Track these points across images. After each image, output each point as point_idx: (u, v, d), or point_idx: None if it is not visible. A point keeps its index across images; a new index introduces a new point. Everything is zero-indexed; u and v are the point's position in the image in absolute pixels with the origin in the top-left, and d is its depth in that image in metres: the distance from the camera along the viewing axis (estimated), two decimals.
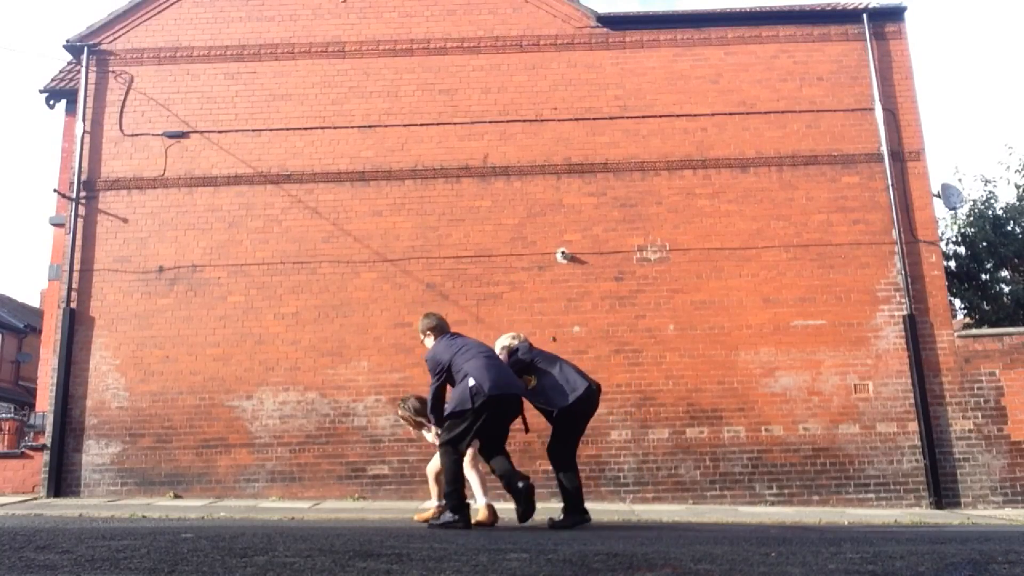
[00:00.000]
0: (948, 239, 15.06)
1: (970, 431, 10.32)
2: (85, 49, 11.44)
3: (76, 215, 10.93)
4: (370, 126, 11.30)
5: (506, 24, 11.64)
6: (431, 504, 7.09)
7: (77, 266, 10.78)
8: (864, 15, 11.53)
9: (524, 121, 11.31)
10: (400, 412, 7.25)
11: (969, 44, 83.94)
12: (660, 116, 11.32)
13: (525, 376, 6.99)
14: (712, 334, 10.57)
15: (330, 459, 10.24)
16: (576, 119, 11.30)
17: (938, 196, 11.92)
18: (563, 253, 10.81)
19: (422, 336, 6.92)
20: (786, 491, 10.11)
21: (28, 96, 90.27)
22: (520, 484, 6.48)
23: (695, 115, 11.32)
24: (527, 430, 6.95)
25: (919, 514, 9.12)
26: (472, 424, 6.21)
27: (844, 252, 10.84)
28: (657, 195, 11.07)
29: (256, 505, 9.19)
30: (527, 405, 6.75)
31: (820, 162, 11.15)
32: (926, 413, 10.21)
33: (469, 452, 6.69)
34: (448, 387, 6.53)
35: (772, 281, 10.77)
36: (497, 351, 7.07)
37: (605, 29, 11.61)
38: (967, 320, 15.00)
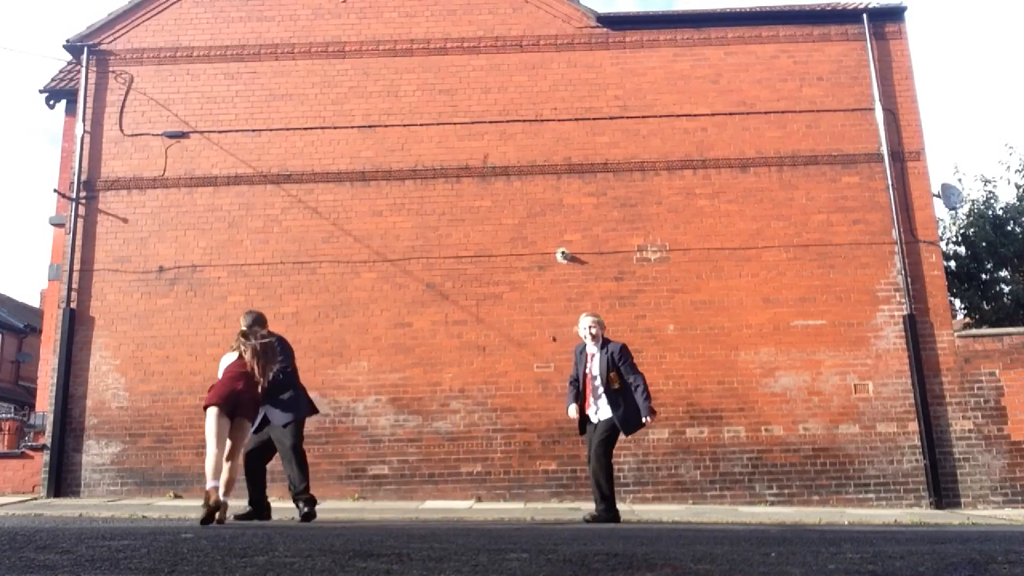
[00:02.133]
0: (948, 239, 15.07)
1: (970, 431, 10.32)
2: (85, 49, 11.43)
3: (76, 215, 10.93)
4: (370, 126, 11.30)
5: (506, 24, 11.64)
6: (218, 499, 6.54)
7: (77, 266, 10.78)
8: (864, 15, 11.53)
9: (524, 121, 11.31)
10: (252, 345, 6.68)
11: (969, 44, 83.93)
12: (660, 116, 11.32)
13: (611, 373, 7.13)
14: (712, 334, 10.57)
15: (330, 459, 10.23)
16: (576, 119, 11.30)
17: (938, 196, 11.92)
18: (563, 253, 10.81)
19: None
20: (786, 491, 10.10)
21: (28, 96, 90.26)
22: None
23: (695, 115, 11.32)
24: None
25: (919, 514, 9.12)
26: None
27: (844, 252, 10.84)
28: (657, 195, 11.07)
29: None
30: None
31: (820, 162, 11.15)
32: (926, 413, 10.21)
33: (230, 445, 6.35)
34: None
35: (772, 281, 10.77)
36: (592, 331, 7.26)
37: (605, 29, 11.61)
38: (967, 320, 15.00)
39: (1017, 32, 75.70)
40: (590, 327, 7.29)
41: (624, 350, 7.23)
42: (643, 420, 7.10)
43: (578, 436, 10.25)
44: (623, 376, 7.12)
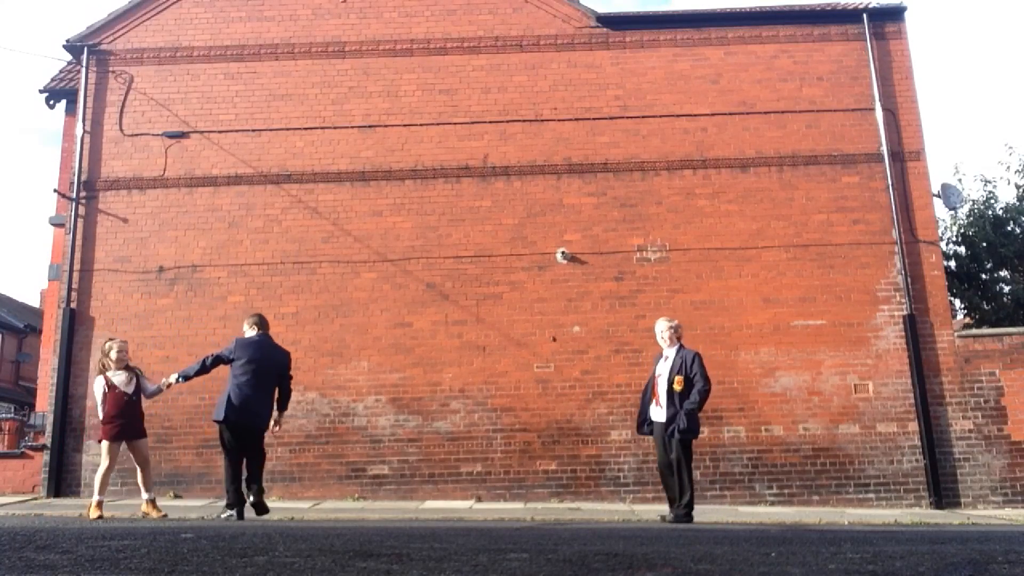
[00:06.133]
0: (948, 239, 15.05)
1: (970, 431, 10.32)
2: (85, 49, 11.43)
3: (76, 215, 10.93)
4: (370, 126, 11.30)
5: (506, 24, 11.64)
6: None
7: (77, 266, 10.78)
8: (864, 15, 11.52)
9: (524, 121, 11.30)
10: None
11: (969, 44, 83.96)
12: (660, 116, 11.31)
13: (678, 376, 7.26)
14: (712, 334, 10.56)
15: (330, 459, 10.24)
16: (576, 119, 11.30)
17: (938, 196, 11.91)
18: (563, 253, 10.81)
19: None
20: (786, 491, 10.10)
21: (26, 96, 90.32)
22: None
23: (695, 115, 11.32)
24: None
25: (919, 514, 9.12)
26: None
27: (844, 252, 10.83)
28: (657, 195, 11.07)
29: None
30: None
31: (820, 162, 11.15)
32: (926, 413, 10.20)
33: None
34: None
35: (772, 281, 10.77)
36: (666, 334, 7.51)
37: (605, 29, 11.61)
38: (967, 320, 14.99)
39: (1017, 32, 75.73)
40: (665, 330, 7.56)
41: (698, 357, 7.36)
42: (678, 423, 7.14)
43: (577, 436, 10.33)
44: (689, 382, 7.25)
